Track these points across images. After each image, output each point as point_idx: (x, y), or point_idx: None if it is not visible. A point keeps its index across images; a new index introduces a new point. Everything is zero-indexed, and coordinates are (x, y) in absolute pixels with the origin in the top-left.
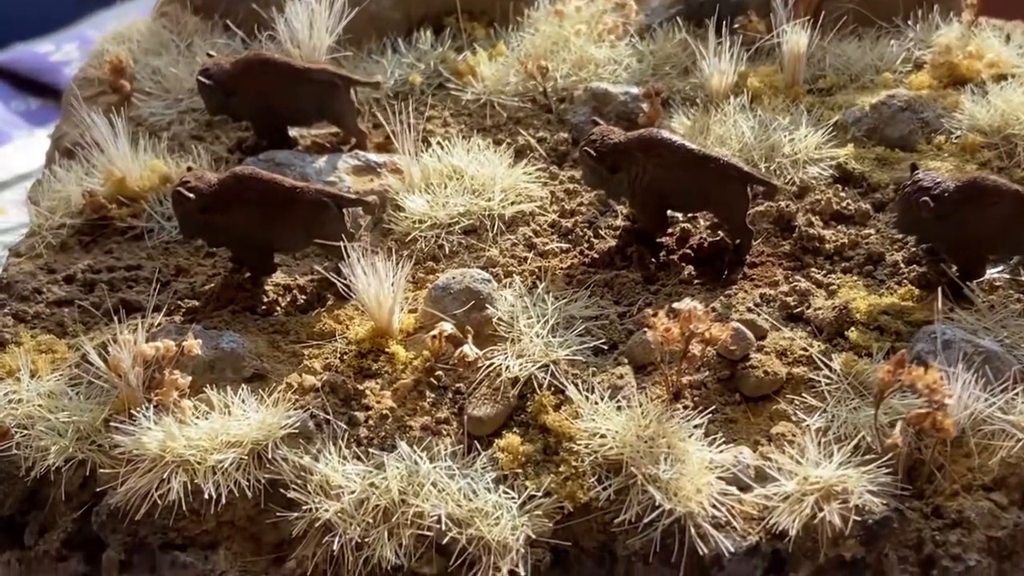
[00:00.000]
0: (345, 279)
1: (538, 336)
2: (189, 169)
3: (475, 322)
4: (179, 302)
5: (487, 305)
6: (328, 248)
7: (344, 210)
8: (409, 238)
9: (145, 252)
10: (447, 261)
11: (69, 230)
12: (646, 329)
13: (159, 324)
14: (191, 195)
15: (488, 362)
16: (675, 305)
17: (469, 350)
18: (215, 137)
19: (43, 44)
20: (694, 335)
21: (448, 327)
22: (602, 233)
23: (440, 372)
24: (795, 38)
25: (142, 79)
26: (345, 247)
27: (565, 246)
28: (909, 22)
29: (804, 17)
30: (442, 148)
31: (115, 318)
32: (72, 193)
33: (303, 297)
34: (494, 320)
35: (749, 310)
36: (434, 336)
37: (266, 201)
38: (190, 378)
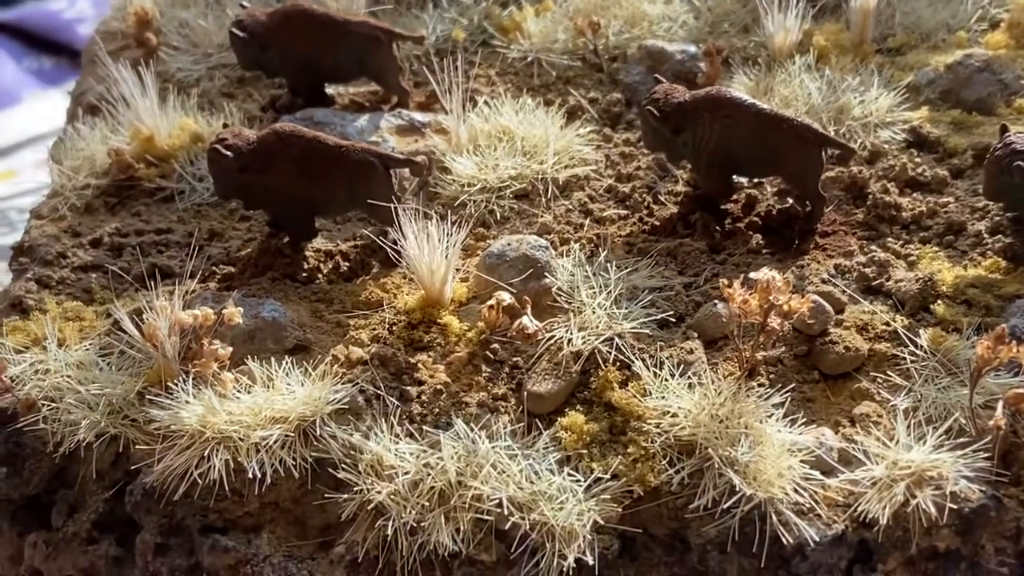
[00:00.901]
0: (394, 244)
1: (600, 307)
2: (225, 126)
3: (533, 292)
4: (214, 268)
5: (545, 274)
6: (373, 212)
7: (391, 171)
8: (457, 203)
9: (176, 215)
10: (498, 227)
11: (94, 191)
12: (716, 301)
13: (193, 291)
14: (229, 153)
15: (548, 335)
16: (751, 275)
17: (528, 322)
18: (247, 95)
19: (55, 0)
20: (773, 307)
21: (506, 297)
22: (662, 199)
23: (496, 345)
24: None
25: (169, 33)
26: (394, 210)
27: (623, 212)
28: None
29: None
30: (489, 108)
31: (147, 284)
32: (97, 152)
33: (346, 264)
34: (553, 290)
35: (824, 281)
36: (491, 306)
37: (309, 160)
38: (230, 349)
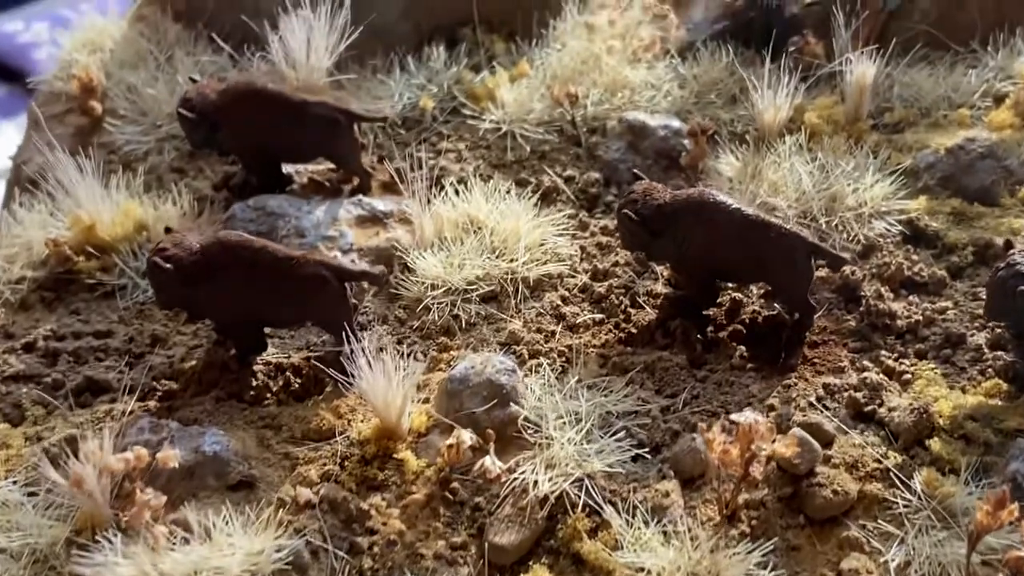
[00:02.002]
0: (344, 372)
1: (570, 443)
2: (167, 231)
3: (497, 421)
4: (154, 383)
5: (511, 402)
6: (326, 328)
7: (346, 284)
8: (420, 306)
9: (117, 314)
10: (463, 335)
11: (30, 284)
12: (695, 436)
13: (130, 412)
14: (169, 265)
15: (512, 476)
16: (733, 418)
17: (491, 463)
18: (198, 170)
19: (10, 22)
20: (755, 456)
21: (467, 438)
22: (640, 300)
23: (457, 484)
24: (861, 68)
25: (115, 97)
26: (346, 330)
27: (598, 317)
28: (988, 48)
29: (869, 44)
30: (457, 194)
31: (82, 399)
32: (35, 239)
33: (298, 380)
34: (519, 420)
35: (811, 405)
36: (450, 445)
37: (256, 273)
38: (164, 498)
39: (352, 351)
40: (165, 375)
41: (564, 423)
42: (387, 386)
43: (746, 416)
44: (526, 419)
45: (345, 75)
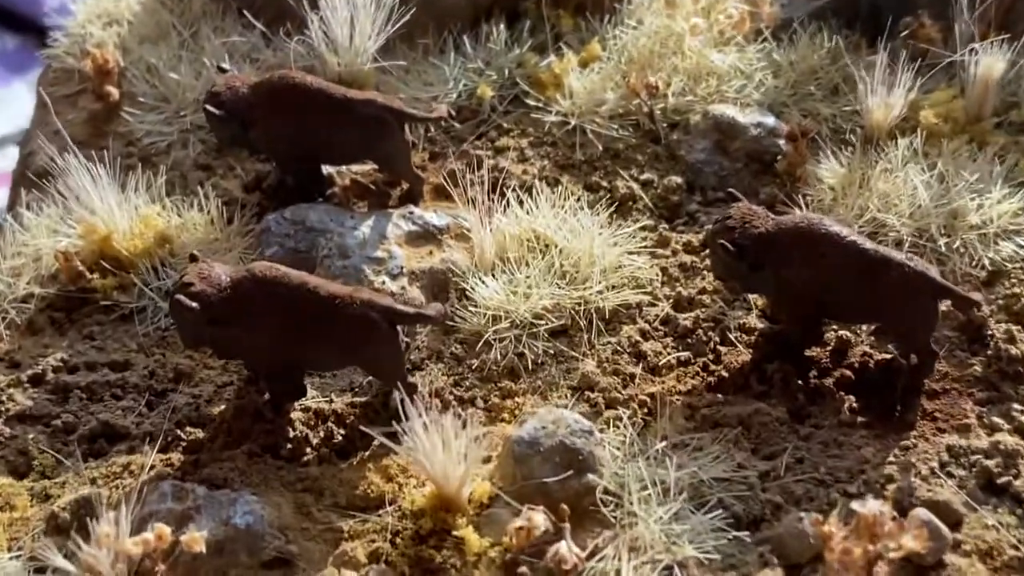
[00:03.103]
0: (392, 430)
1: (657, 521)
2: (193, 259)
3: (572, 492)
4: (178, 430)
5: (588, 470)
6: (375, 374)
7: (398, 327)
8: (480, 342)
9: (135, 341)
10: (529, 378)
11: (39, 302)
12: (802, 515)
13: (151, 468)
14: (195, 304)
15: (590, 566)
16: (854, 506)
17: (567, 551)
18: (227, 168)
19: None
20: (880, 556)
21: (540, 521)
22: (732, 336)
23: (525, 570)
24: (987, 60)
25: (134, 79)
26: (400, 380)
27: (684, 356)
28: None
29: (998, 31)
30: (521, 204)
31: (92, 449)
32: (43, 248)
33: (341, 432)
34: (598, 491)
35: (934, 473)
36: (520, 528)
37: (295, 315)
38: None
39: (403, 403)
40: (190, 420)
41: (649, 495)
42: (445, 453)
43: (868, 505)
44: (605, 490)
45: (393, 60)
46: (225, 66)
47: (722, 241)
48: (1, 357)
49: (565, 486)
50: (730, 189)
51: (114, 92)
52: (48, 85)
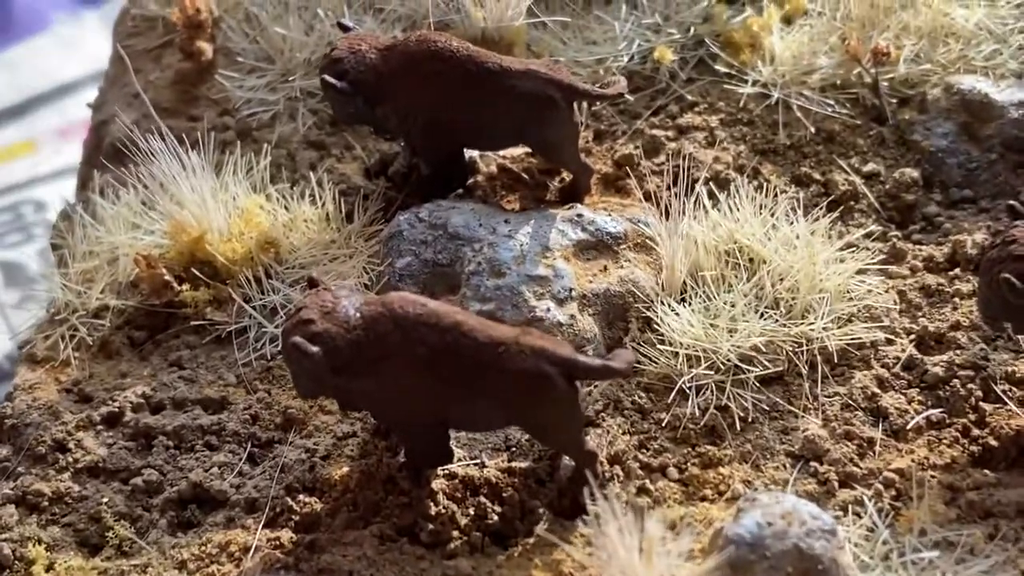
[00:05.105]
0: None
1: None
2: (312, 285)
3: None
4: (288, 498)
5: None
6: (544, 439)
7: (575, 382)
8: (672, 391)
9: (233, 373)
10: (736, 440)
11: (114, 318)
12: None
13: (255, 549)
14: (316, 349)
15: None
16: None
17: None
18: (344, 147)
19: None
20: None
21: None
22: (998, 388)
23: None
24: None
25: (230, 32)
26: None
27: (936, 415)
28: None
29: None
30: (715, 203)
31: (181, 518)
32: (120, 246)
33: (497, 509)
34: None
35: None
36: None
37: (446, 366)
38: None
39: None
40: (303, 484)
41: None
42: (644, 563)
43: None
44: None
45: (550, 14)
46: (346, 22)
47: (1007, 275)
48: (69, 388)
49: None
50: (1013, 203)
51: (207, 49)
52: (126, 36)
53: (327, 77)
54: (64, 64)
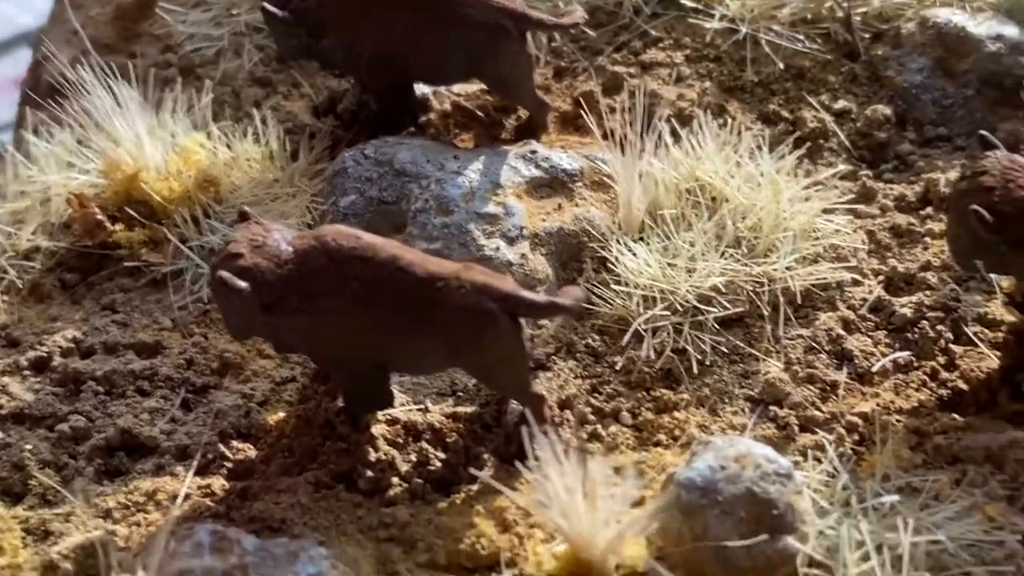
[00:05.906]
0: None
1: None
2: (243, 218)
3: (763, 560)
4: (222, 445)
5: (786, 530)
6: (488, 380)
7: (519, 321)
8: (627, 333)
9: (169, 317)
10: (693, 384)
11: (46, 259)
12: None
13: (185, 498)
14: (245, 285)
15: None
16: None
17: None
18: (291, 85)
19: None
20: None
21: None
22: (969, 331)
23: None
24: None
25: None
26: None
27: (904, 357)
28: None
29: None
30: (677, 140)
31: (109, 466)
32: (53, 186)
33: (440, 456)
34: (799, 563)
35: None
36: None
37: (382, 302)
38: None
39: (524, 425)
40: (238, 430)
41: (872, 568)
42: (588, 509)
43: None
44: (811, 560)
45: None
46: None
47: (975, 207)
48: None
49: (753, 552)
50: (983, 133)
51: None
52: None
53: (267, 6)
54: (20, 14)
